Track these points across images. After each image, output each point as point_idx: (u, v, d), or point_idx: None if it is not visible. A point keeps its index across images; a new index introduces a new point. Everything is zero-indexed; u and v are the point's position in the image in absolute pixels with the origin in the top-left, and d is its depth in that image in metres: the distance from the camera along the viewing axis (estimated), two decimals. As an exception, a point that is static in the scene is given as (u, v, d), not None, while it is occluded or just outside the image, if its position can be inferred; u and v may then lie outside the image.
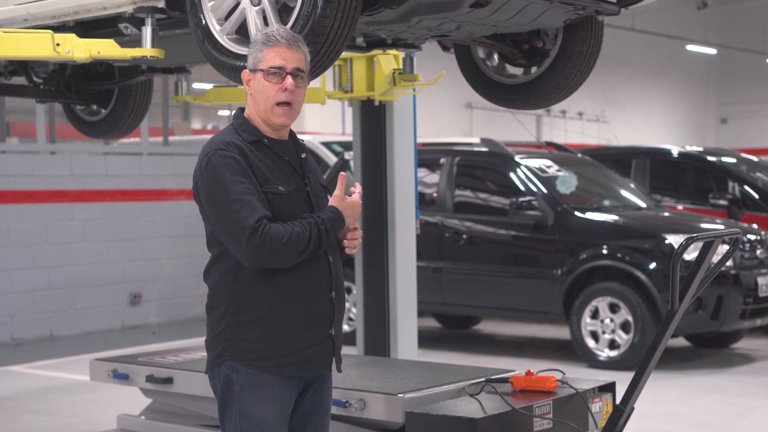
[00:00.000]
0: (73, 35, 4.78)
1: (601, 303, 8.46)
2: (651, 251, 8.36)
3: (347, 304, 9.10)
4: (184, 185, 10.29)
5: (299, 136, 3.46)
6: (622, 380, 4.75)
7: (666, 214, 9.39)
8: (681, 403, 7.29)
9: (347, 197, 3.27)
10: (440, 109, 21.67)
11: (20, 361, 9.12)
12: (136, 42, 4.60)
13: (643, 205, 9.50)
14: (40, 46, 4.80)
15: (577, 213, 8.82)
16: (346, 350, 3.63)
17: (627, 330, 8.35)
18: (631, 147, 12.01)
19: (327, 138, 12.37)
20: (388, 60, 6.54)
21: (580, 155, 10.41)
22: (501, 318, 11.15)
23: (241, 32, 4.10)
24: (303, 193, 3.28)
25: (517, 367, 5.49)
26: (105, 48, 4.73)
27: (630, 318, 8.29)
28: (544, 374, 4.56)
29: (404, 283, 6.69)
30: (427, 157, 9.54)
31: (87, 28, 4.93)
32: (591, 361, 8.47)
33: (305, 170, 3.33)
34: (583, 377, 5.11)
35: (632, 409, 4.21)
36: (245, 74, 3.30)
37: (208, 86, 7.06)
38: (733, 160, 10.64)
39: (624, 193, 9.74)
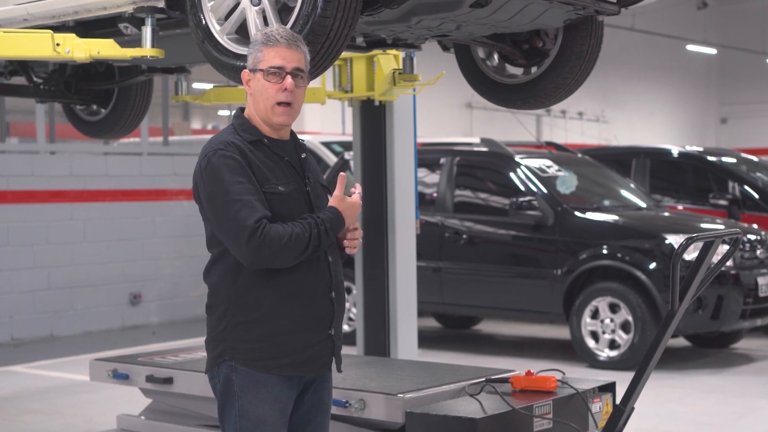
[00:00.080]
0: (73, 35, 4.78)
1: (601, 303, 8.46)
2: (651, 251, 8.36)
3: (347, 304, 9.10)
4: (184, 185, 10.29)
5: (299, 136, 3.46)
6: (622, 380, 4.75)
7: (666, 214, 9.39)
8: (681, 403, 7.29)
9: (347, 198, 3.27)
10: (440, 109, 21.67)
11: (20, 361, 9.12)
12: (136, 42, 4.60)
13: (643, 205, 9.50)
14: (40, 46, 4.80)
15: (577, 213, 8.82)
16: (346, 350, 3.63)
17: (627, 330, 8.35)
18: (631, 147, 12.01)
19: (327, 138, 12.38)
20: (388, 60, 6.54)
21: (580, 155, 10.41)
22: (501, 318, 11.15)
23: (241, 32, 4.10)
24: (303, 193, 3.28)
25: (517, 367, 5.49)
26: (105, 48, 4.73)
27: (630, 318, 8.29)
28: (544, 374, 4.56)
29: (404, 283, 6.69)
30: (427, 157, 9.54)
31: (87, 28, 4.93)
32: (591, 361, 8.47)
33: (305, 170, 3.33)
34: (583, 377, 5.11)
35: (632, 409, 4.21)
36: (245, 74, 3.30)
37: (208, 86, 7.06)
38: (733, 160, 10.63)
39: (624, 193, 9.74)
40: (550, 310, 8.82)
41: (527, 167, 9.19)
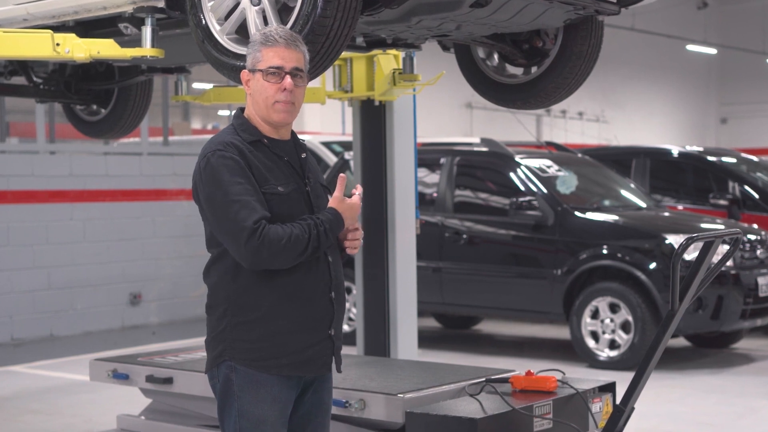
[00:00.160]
0: (73, 35, 4.77)
1: (601, 303, 8.46)
2: (651, 251, 8.36)
3: (347, 304, 9.09)
4: (184, 185, 10.29)
5: (299, 136, 3.46)
6: (622, 380, 4.75)
7: (666, 214, 9.39)
8: (681, 403, 7.28)
9: (347, 199, 3.27)
10: (440, 109, 21.67)
11: (20, 361, 9.12)
12: (136, 42, 4.60)
13: (643, 205, 9.50)
14: (40, 46, 4.80)
15: (577, 213, 8.82)
16: (346, 350, 3.63)
17: (627, 330, 8.35)
18: (631, 147, 12.00)
19: (327, 138, 12.37)
20: (388, 60, 6.53)
21: (580, 155, 10.41)
22: (501, 318, 11.15)
23: (241, 32, 4.10)
24: (303, 194, 3.28)
25: (517, 367, 5.49)
26: (105, 48, 4.73)
27: (630, 318, 8.29)
28: (544, 374, 4.56)
29: (404, 283, 6.69)
30: (427, 157, 9.54)
31: (87, 28, 4.93)
32: (591, 361, 8.47)
33: (305, 170, 3.33)
34: (583, 377, 5.11)
35: (632, 409, 4.21)
36: (244, 74, 3.30)
37: (208, 86, 7.05)
38: (733, 160, 10.63)
39: (624, 193, 9.74)
40: (550, 310, 8.82)
41: (527, 167, 9.19)
